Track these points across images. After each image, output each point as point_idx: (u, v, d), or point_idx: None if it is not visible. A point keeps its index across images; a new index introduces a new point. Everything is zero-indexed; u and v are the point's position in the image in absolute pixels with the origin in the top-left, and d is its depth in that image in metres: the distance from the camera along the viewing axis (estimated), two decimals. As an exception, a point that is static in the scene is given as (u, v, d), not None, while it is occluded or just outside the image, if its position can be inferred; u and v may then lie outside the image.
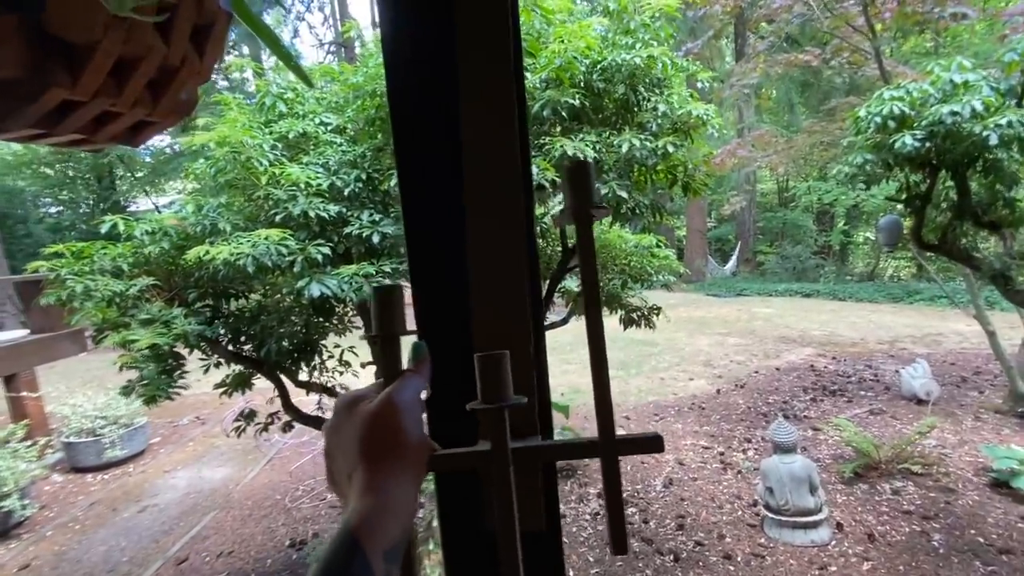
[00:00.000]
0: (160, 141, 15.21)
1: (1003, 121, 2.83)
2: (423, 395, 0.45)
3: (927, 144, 3.14)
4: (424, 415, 0.44)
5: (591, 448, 0.44)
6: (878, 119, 3.22)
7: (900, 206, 3.84)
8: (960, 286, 9.02)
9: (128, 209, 13.81)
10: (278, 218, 2.54)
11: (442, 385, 0.47)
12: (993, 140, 2.85)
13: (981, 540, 3.14)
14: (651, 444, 0.43)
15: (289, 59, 0.95)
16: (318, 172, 2.69)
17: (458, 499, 0.49)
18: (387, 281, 2.50)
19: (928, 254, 6.00)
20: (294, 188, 2.62)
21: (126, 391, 2.58)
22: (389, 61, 0.51)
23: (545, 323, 3.71)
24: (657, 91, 2.89)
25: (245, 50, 16.85)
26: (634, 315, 3.78)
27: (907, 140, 3.09)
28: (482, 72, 0.48)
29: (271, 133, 2.86)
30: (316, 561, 0.37)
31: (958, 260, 3.73)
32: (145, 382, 2.50)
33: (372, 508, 0.38)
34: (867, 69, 7.82)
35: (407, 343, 0.47)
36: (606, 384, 0.44)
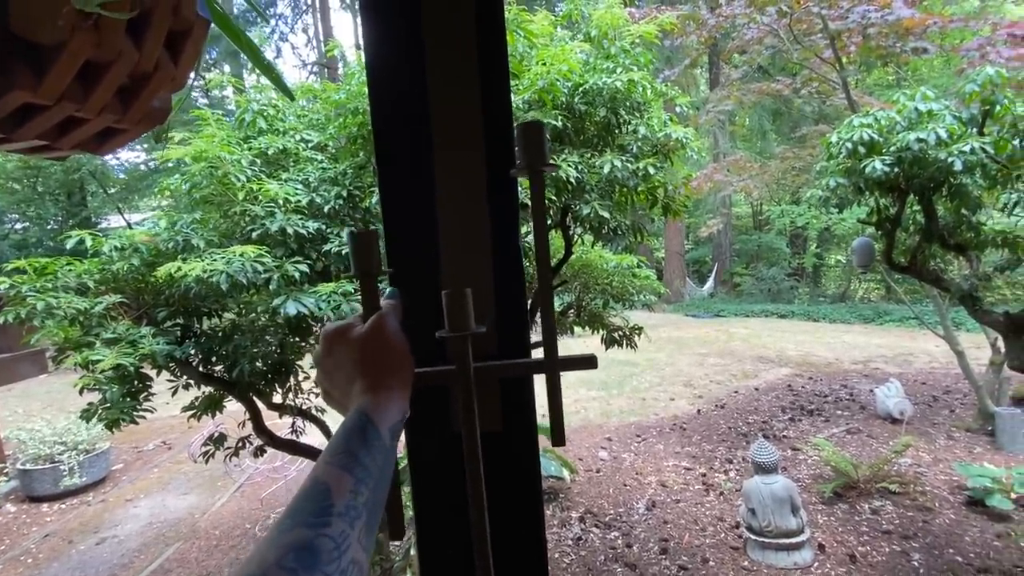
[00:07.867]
0: (135, 157, 14.90)
1: (966, 148, 2.95)
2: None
3: (895, 169, 3.25)
4: None
5: (539, 366, 0.54)
6: (849, 144, 3.32)
7: (872, 228, 3.96)
8: (928, 307, 9.30)
9: (99, 226, 13.37)
10: (255, 235, 2.48)
11: (415, 316, 0.57)
12: (958, 166, 2.96)
13: (959, 559, 3.16)
14: (586, 362, 0.54)
15: (270, 70, 0.93)
16: (297, 189, 2.65)
17: (427, 408, 0.57)
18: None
19: (897, 276, 6.19)
20: (272, 204, 2.57)
21: (87, 415, 2.44)
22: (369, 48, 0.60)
23: (531, 342, 3.66)
24: (637, 114, 2.94)
25: (227, 68, 16.77)
26: (616, 335, 3.77)
27: (877, 165, 3.20)
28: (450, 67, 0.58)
29: (250, 149, 2.81)
30: (335, 435, 0.44)
31: (928, 281, 3.84)
32: (107, 405, 2.36)
33: (377, 397, 0.47)
34: (835, 99, 8.14)
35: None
36: (551, 313, 0.55)
